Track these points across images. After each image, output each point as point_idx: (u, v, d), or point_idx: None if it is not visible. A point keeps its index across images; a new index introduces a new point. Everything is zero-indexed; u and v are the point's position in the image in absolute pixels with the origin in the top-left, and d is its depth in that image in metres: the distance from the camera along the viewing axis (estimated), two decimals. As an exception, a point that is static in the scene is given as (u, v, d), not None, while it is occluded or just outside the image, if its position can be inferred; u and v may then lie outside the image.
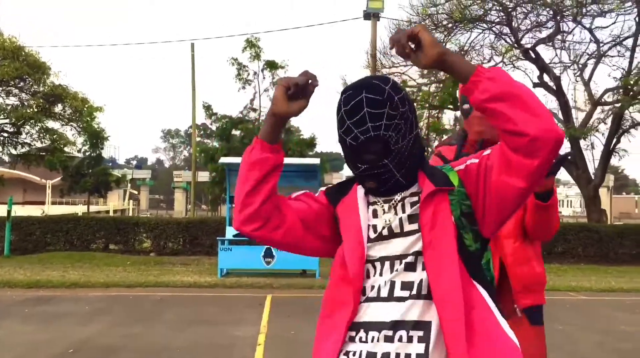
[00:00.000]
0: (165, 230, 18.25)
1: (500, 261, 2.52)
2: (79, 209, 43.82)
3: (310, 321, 5.27)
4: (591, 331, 7.37)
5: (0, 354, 5.70)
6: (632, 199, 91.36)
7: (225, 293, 10.55)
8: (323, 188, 1.86)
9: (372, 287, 1.54)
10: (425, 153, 1.73)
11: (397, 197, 1.59)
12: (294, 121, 22.88)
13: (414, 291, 1.49)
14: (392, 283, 1.52)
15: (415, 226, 1.54)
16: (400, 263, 1.52)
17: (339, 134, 1.61)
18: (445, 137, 21.04)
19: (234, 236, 13.44)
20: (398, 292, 1.50)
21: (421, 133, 1.94)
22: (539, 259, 2.64)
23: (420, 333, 1.45)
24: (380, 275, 1.54)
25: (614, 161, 21.79)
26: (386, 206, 1.60)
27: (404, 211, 1.57)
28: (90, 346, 6.07)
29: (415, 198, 1.57)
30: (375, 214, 1.61)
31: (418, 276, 1.50)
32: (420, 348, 1.44)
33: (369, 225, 1.59)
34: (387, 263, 1.54)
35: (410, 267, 1.52)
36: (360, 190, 1.66)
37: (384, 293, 1.52)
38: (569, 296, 10.73)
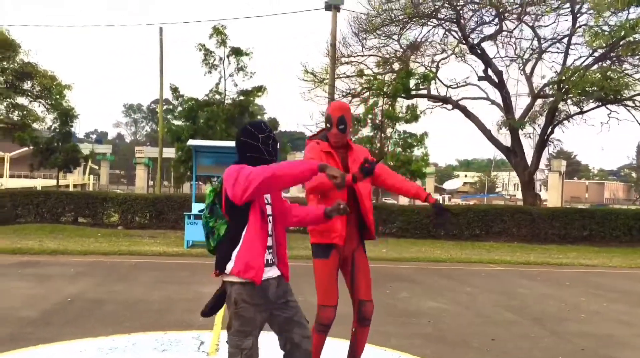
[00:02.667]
0: (132, 205, 19.43)
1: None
2: (37, 183, 44.13)
3: None
4: (492, 292, 9.07)
5: (9, 302, 6.99)
6: (583, 184, 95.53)
7: (192, 260, 11.95)
8: None
9: None
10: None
11: None
12: (259, 101, 24.07)
13: None
14: None
15: None
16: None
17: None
18: (397, 124, 22.66)
19: (199, 211, 14.78)
20: None
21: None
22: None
23: None
24: None
25: (567, 147, 23.90)
26: None
27: None
28: (82, 298, 7.41)
29: None
30: None
31: None
32: None
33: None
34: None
35: None
36: None
37: None
38: (487, 267, 12.51)
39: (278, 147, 3.18)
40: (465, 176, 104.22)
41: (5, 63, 23.28)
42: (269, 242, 3.09)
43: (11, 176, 52.63)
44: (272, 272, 3.09)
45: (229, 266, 2.96)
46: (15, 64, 23.17)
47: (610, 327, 6.69)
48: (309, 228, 3.82)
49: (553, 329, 6.44)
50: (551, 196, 57.70)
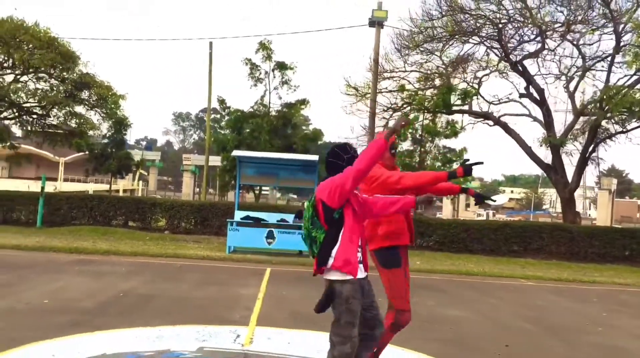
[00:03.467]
0: (179, 211, 20.39)
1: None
2: (90, 187, 46.04)
3: (299, 287, 7.71)
4: (515, 305, 9.41)
5: (69, 295, 7.79)
6: (634, 203, 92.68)
7: (232, 265, 12.65)
8: None
9: None
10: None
11: None
12: (305, 112, 24.85)
13: None
14: None
15: None
16: None
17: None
18: (437, 139, 23.01)
19: (241, 218, 15.55)
20: None
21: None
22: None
23: None
24: None
25: (619, 165, 23.71)
26: None
27: None
28: (134, 293, 8.16)
29: None
30: None
31: None
32: None
33: None
34: None
35: None
36: None
37: None
38: (517, 282, 12.78)
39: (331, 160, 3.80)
40: (512, 191, 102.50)
41: (65, 74, 24.67)
42: (360, 242, 3.70)
43: (65, 180, 54.87)
44: (362, 272, 3.68)
45: (330, 261, 3.58)
46: (75, 75, 24.53)
47: (626, 341, 6.99)
48: (369, 233, 4.28)
49: (567, 339, 6.80)
50: (600, 214, 56.32)
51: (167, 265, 11.81)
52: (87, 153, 25.28)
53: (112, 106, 24.36)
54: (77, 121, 25.68)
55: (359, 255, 3.65)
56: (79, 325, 6.01)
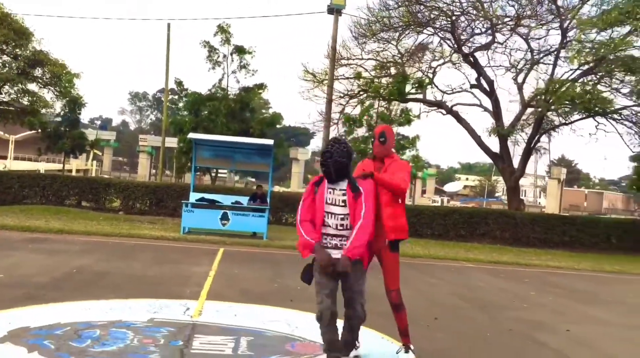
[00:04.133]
0: (134, 192, 20.48)
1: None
2: (41, 166, 45.10)
3: (251, 267, 8.11)
4: (453, 284, 10.07)
5: (23, 271, 7.98)
6: (582, 192, 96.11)
7: (186, 245, 12.96)
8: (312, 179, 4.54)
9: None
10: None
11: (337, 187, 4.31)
12: (265, 96, 24.97)
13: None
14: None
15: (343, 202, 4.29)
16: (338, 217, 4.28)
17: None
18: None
19: (196, 200, 15.82)
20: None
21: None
22: (403, 215, 5.03)
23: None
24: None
25: (569, 155, 24.75)
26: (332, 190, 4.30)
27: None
28: (87, 270, 8.41)
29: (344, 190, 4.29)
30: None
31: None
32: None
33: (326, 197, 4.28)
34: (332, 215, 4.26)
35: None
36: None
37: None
38: (459, 264, 13.50)
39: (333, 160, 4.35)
40: (467, 179, 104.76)
41: (18, 50, 24.20)
42: None
43: (15, 159, 53.52)
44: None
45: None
46: (28, 52, 24.09)
47: (545, 315, 7.66)
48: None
49: (492, 314, 7.43)
50: (549, 203, 58.32)
51: (120, 244, 12.03)
52: (39, 131, 24.91)
53: (66, 84, 24.05)
54: (29, 98, 25.24)
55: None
56: (33, 298, 6.27)
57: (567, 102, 19.59)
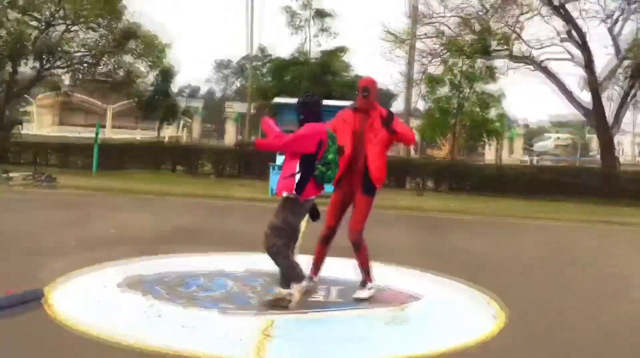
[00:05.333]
0: (223, 156, 21.39)
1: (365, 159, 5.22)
2: (137, 134, 47.54)
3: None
4: (542, 242, 10.01)
5: (134, 228, 8.74)
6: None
7: (275, 205, 13.49)
8: None
9: None
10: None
11: None
12: (346, 59, 24.99)
13: None
14: None
15: None
16: None
17: None
18: (474, 84, 23.13)
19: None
20: None
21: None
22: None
23: None
24: None
25: None
26: None
27: None
28: (188, 228, 9.10)
29: None
30: None
31: None
32: None
33: None
34: None
35: None
36: None
37: None
38: (550, 223, 13.28)
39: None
40: (558, 137, 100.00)
41: (113, 23, 25.51)
42: None
43: (112, 128, 56.47)
44: None
45: None
46: (122, 25, 25.35)
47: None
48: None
49: (585, 270, 7.41)
50: (642, 159, 54.83)
51: (215, 205, 12.81)
52: (135, 101, 26.37)
53: (158, 55, 25.18)
54: (125, 69, 26.66)
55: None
56: (144, 252, 6.92)
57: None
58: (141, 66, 26.49)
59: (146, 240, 7.74)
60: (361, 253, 5.39)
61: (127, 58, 26.39)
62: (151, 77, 25.85)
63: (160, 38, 25.92)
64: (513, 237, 10.36)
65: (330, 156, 4.80)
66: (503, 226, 11.81)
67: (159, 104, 25.11)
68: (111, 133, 50.76)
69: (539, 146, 78.61)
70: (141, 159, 21.58)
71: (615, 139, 25.73)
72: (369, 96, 5.23)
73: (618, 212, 16.57)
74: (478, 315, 4.95)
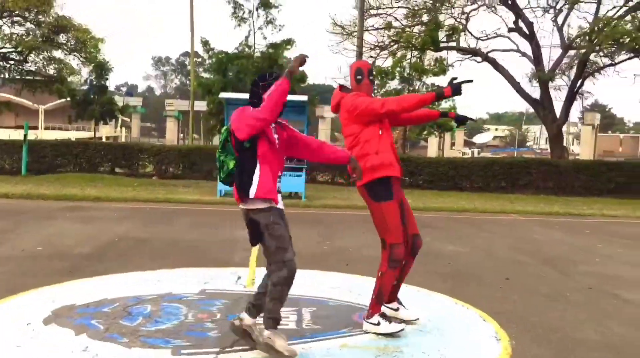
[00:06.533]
0: (166, 156, 20.18)
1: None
2: (72, 134, 45.34)
3: (296, 229, 7.45)
4: (510, 238, 9.51)
5: (64, 241, 7.67)
6: (617, 137, 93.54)
7: (225, 208, 12.57)
8: None
9: None
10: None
11: None
12: (288, 54, 24.07)
13: None
14: None
15: None
16: None
17: None
18: (424, 76, 22.79)
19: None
20: None
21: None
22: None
23: None
24: None
25: (602, 100, 23.61)
26: None
27: None
28: (129, 238, 8.07)
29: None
30: None
31: None
32: None
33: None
34: None
35: None
36: None
37: None
38: (509, 217, 12.90)
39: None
40: (496, 129, 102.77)
41: (41, 17, 23.80)
42: (279, 173, 3.77)
43: (45, 128, 53.90)
44: (280, 203, 3.75)
45: (252, 190, 3.58)
46: (51, 18, 23.67)
47: (620, 269, 7.09)
48: (364, 167, 4.13)
49: (563, 270, 6.88)
50: (583, 150, 56.86)
51: (158, 210, 11.72)
52: (68, 99, 24.69)
53: (92, 50, 23.64)
54: (55, 66, 24.97)
55: (279, 185, 3.73)
56: (76, 271, 5.93)
57: (613, 42, 18.43)
58: (73, 62, 24.92)
59: (80, 256, 6.71)
60: (392, 274, 4.37)
61: (58, 54, 24.77)
62: (84, 73, 24.25)
63: (94, 32, 24.41)
64: (481, 236, 9.80)
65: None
66: (467, 223, 11.28)
67: (94, 101, 23.52)
68: (44, 134, 48.34)
69: (478, 138, 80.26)
70: (76, 160, 20.08)
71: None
72: (374, 80, 4.52)
73: (572, 203, 16.53)
74: (479, 337, 4.25)
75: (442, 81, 24.02)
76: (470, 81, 4.20)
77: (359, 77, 4.43)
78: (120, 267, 6.15)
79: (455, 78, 4.21)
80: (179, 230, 9.07)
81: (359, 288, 5.46)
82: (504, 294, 5.59)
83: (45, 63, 24.96)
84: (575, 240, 9.68)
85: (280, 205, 3.71)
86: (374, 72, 4.53)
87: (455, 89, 4.09)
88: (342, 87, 4.55)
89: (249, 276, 5.94)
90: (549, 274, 6.63)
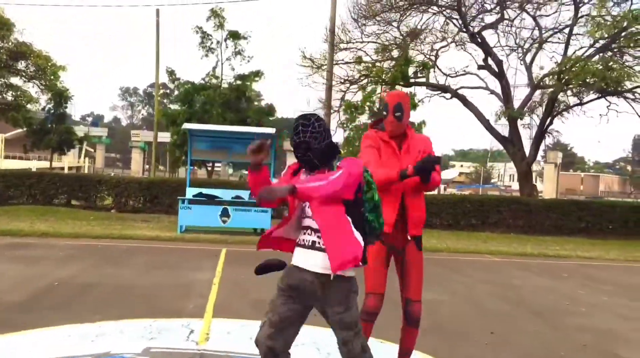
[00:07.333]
0: (126, 188, 19.24)
1: (401, 207, 3.79)
2: (32, 164, 43.79)
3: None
4: (488, 283, 8.94)
5: (1, 286, 6.81)
6: (578, 176, 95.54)
7: (184, 246, 11.77)
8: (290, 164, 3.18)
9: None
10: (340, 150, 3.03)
11: None
12: (256, 87, 23.55)
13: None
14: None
15: None
16: None
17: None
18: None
19: (194, 196, 14.61)
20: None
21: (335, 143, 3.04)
22: (424, 206, 3.92)
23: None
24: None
25: (564, 139, 23.70)
26: None
27: None
28: (71, 283, 7.21)
29: None
30: None
31: None
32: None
33: None
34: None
35: None
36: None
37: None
38: (484, 258, 12.39)
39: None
40: (462, 166, 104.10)
41: (0, 42, 22.89)
42: None
43: (6, 157, 52.16)
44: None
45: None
46: (10, 44, 22.78)
47: (611, 321, 6.55)
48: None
49: (552, 323, 6.30)
50: (547, 187, 57.74)
51: (111, 248, 10.82)
52: (24, 129, 23.64)
53: (52, 77, 22.75)
54: (13, 93, 23.96)
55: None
56: (2, 323, 5.09)
57: (582, 82, 18.46)
58: (32, 90, 23.95)
59: (8, 304, 5.85)
60: (415, 333, 3.90)
61: (16, 80, 23.79)
62: (43, 101, 23.29)
63: (55, 59, 23.56)
64: (459, 280, 9.21)
65: (376, 197, 3.09)
66: (442, 265, 10.70)
67: (52, 130, 22.51)
68: (4, 163, 46.59)
69: (444, 174, 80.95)
70: (30, 191, 18.96)
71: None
72: (402, 117, 3.78)
73: (544, 243, 16.20)
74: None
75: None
76: (438, 158, 3.66)
77: (384, 112, 3.84)
78: (55, 319, 5.32)
79: (429, 156, 3.65)
80: (131, 273, 8.23)
81: (327, 345, 4.75)
82: (493, 352, 4.95)
83: (2, 89, 23.91)
84: (555, 285, 9.17)
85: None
86: (404, 108, 3.80)
87: (419, 169, 3.55)
88: (373, 125, 4.03)
89: (202, 331, 5.19)
90: (539, 328, 6.04)
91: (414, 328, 3.89)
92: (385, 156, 3.83)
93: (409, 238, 3.82)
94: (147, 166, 57.75)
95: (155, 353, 4.51)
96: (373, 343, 4.08)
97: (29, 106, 24.45)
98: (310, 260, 2.94)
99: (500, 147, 24.30)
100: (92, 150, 64.99)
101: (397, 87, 22.35)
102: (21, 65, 23.52)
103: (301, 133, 2.90)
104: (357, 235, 2.88)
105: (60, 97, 22.84)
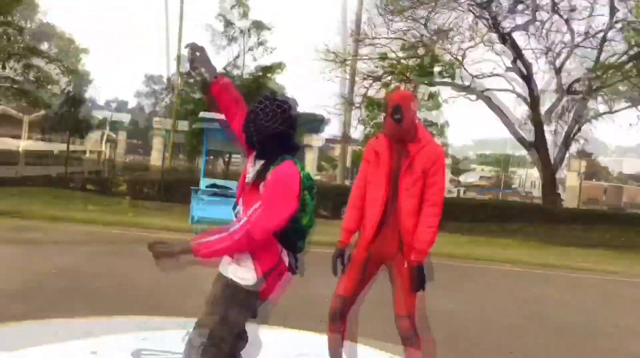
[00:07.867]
0: (142, 176, 19.07)
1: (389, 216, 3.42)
2: (55, 147, 44.05)
3: None
4: (506, 294, 8.51)
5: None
6: (601, 186, 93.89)
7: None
8: None
9: None
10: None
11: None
12: (280, 80, 23.20)
13: None
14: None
15: None
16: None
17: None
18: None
19: (207, 186, 14.30)
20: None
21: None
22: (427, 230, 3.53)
23: None
24: None
25: (588, 148, 23.00)
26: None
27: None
28: (70, 272, 6.92)
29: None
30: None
31: None
32: None
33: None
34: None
35: None
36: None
37: None
38: (503, 267, 11.92)
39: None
40: (482, 169, 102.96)
41: (24, 23, 22.85)
42: None
43: (29, 138, 52.57)
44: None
45: None
46: (33, 24, 22.73)
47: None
48: None
49: (580, 345, 5.85)
50: (568, 196, 56.55)
51: (121, 236, 10.59)
52: (45, 110, 23.64)
53: (74, 59, 22.67)
54: (35, 75, 23.92)
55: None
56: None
57: (618, 88, 17.85)
58: (53, 72, 23.88)
59: (1, 294, 5.57)
60: (412, 350, 3.52)
61: (38, 61, 23.73)
62: (63, 83, 23.22)
63: (78, 42, 23.48)
64: (476, 290, 8.78)
65: (305, 222, 2.79)
66: (458, 273, 10.26)
67: (70, 114, 22.44)
68: (26, 145, 46.85)
69: (465, 177, 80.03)
70: (46, 173, 18.91)
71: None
72: (401, 120, 3.32)
73: (566, 254, 15.62)
74: None
75: (435, 116, 23.30)
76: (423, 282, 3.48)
77: (384, 113, 3.51)
78: (48, 311, 5.02)
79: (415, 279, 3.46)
80: (133, 264, 7.91)
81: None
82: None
83: (24, 70, 23.89)
84: (580, 301, 8.68)
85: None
86: (403, 111, 3.31)
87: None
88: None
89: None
90: (563, 351, 5.59)
91: (407, 346, 3.52)
92: (372, 169, 3.51)
93: (406, 265, 3.44)
94: (167, 154, 57.91)
95: (145, 356, 4.18)
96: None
97: (48, 87, 24.41)
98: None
99: (522, 153, 23.68)
100: (115, 135, 65.48)
101: (421, 85, 21.94)
102: (44, 46, 23.45)
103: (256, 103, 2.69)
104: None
105: (81, 80, 22.79)
